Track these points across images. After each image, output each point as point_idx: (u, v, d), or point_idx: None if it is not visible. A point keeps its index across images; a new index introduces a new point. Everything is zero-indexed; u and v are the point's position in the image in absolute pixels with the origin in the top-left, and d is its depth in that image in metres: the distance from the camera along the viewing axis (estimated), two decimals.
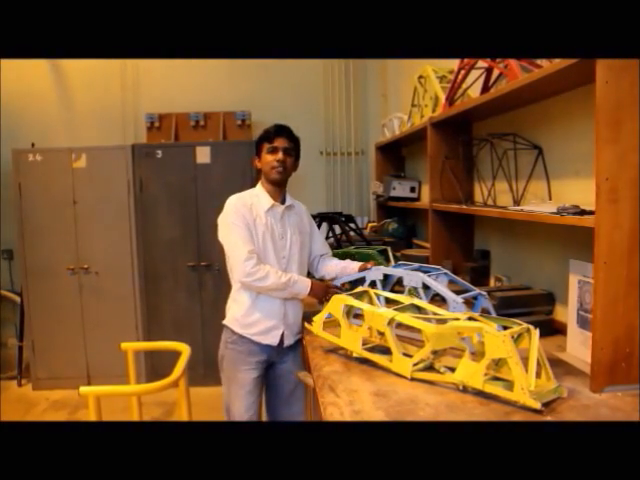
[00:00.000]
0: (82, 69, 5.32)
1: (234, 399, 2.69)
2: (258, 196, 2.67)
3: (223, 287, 4.71)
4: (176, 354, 3.01)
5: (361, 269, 2.68)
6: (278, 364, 2.79)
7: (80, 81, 5.38)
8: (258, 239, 2.59)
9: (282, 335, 2.67)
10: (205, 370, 4.61)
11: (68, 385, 4.92)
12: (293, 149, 2.67)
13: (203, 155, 4.67)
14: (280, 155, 2.60)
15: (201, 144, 4.72)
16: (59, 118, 5.40)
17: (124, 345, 3.15)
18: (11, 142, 5.02)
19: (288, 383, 2.81)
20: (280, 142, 2.62)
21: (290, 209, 2.72)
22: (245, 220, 2.56)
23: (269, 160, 2.63)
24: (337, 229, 4.00)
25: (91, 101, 5.38)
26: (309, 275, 2.94)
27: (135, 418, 3.17)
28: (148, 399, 4.15)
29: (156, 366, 4.69)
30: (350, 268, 2.75)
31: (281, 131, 2.65)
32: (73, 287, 4.87)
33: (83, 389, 2.53)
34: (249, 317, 2.65)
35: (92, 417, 2.54)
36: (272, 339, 2.67)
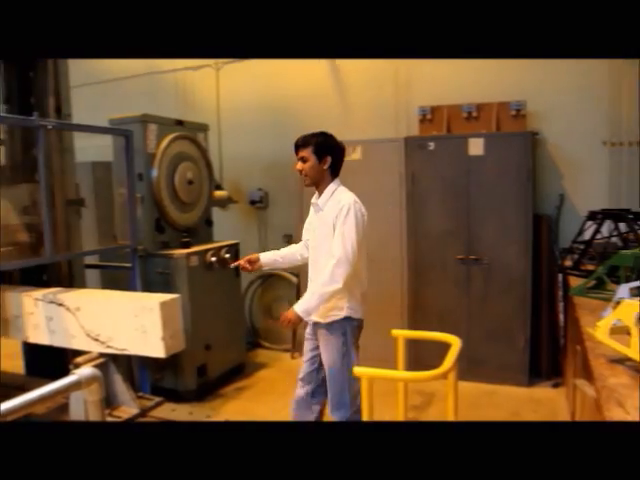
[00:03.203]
0: (358, 69, 5.60)
1: None
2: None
3: (492, 282, 4.66)
4: (440, 345, 3.02)
5: None
6: None
7: (356, 80, 5.68)
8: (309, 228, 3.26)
9: None
10: (468, 365, 4.53)
11: None
12: (311, 153, 3.03)
13: (476, 147, 4.59)
14: (298, 165, 3.08)
15: (474, 136, 4.65)
16: (337, 114, 5.77)
17: (395, 332, 3.24)
18: (295, 137, 5.48)
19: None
20: (297, 154, 3.07)
21: (318, 206, 3.12)
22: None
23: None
24: (623, 227, 3.63)
25: (366, 97, 5.64)
26: None
27: (400, 403, 3.26)
28: (410, 386, 4.26)
29: (418, 355, 4.77)
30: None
31: (296, 145, 3.08)
32: None
33: (357, 369, 2.66)
34: None
35: (364, 397, 2.66)
36: None
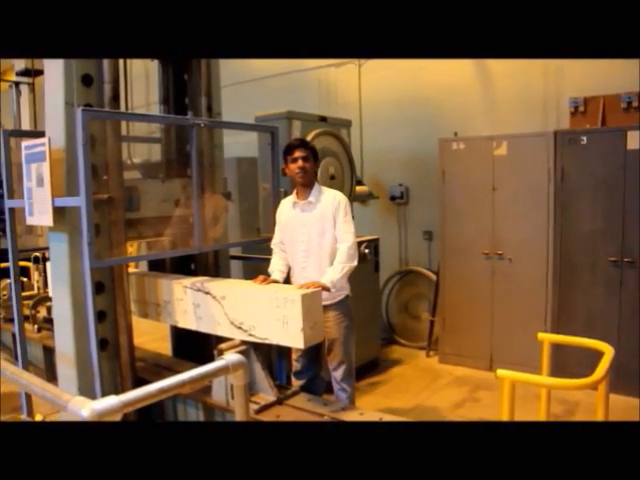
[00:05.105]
0: (504, 59, 5.34)
1: None
2: (291, 196, 3.52)
3: None
4: (584, 352, 2.84)
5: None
6: None
7: (501, 70, 5.45)
8: (286, 228, 3.51)
9: None
10: (617, 376, 4.14)
11: (470, 364, 5.15)
12: (310, 155, 3.38)
13: (635, 140, 4.26)
14: (300, 163, 3.33)
15: (633, 128, 4.30)
16: (480, 107, 5.59)
17: (541, 335, 3.10)
18: (437, 132, 5.41)
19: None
20: (298, 153, 3.35)
21: (311, 204, 3.38)
22: (279, 218, 3.58)
23: (292, 168, 3.39)
24: None
25: (512, 89, 5.41)
26: None
27: (542, 410, 3.11)
28: (552, 393, 4.05)
29: (560, 361, 4.50)
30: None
31: (297, 145, 3.40)
32: (486, 271, 5.03)
33: (501, 372, 2.55)
34: None
35: (504, 401, 2.55)
36: None
